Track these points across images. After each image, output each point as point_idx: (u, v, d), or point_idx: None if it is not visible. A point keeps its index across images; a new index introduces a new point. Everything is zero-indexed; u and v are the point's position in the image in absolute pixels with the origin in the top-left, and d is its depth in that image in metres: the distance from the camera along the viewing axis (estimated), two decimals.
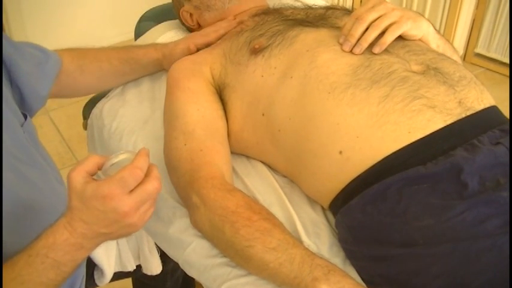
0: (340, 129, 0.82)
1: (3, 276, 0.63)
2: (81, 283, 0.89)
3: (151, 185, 0.64)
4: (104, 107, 1.19)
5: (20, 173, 0.77)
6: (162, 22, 1.38)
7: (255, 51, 0.97)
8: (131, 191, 0.63)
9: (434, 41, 0.98)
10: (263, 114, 0.93)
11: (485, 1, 2.50)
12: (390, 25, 0.90)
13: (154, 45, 1.17)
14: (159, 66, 1.17)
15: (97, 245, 0.67)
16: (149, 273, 1.07)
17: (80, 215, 0.63)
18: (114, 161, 0.66)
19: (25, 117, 0.85)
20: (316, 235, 0.86)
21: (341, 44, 0.91)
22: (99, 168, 0.66)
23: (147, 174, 0.64)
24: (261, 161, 1.00)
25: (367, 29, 0.90)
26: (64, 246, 0.64)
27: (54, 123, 2.38)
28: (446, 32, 2.53)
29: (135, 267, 1.07)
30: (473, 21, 2.58)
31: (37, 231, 0.66)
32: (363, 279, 0.80)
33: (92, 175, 0.65)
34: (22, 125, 0.82)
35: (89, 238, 0.65)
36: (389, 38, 0.89)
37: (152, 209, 0.67)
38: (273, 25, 1.02)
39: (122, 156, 0.66)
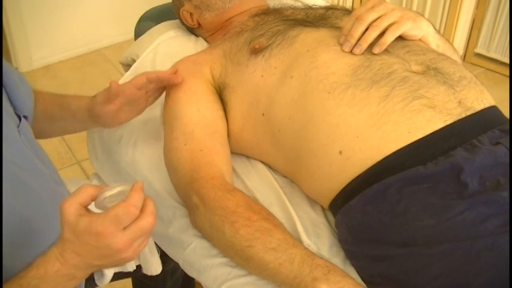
0: (340, 129, 0.82)
1: None
2: (81, 284, 0.89)
3: (146, 222, 0.63)
4: None
5: (18, 180, 0.76)
6: (162, 22, 1.38)
7: (255, 51, 0.97)
8: (125, 227, 0.62)
9: (434, 41, 0.98)
10: (263, 114, 0.93)
11: (485, 1, 2.50)
12: (390, 25, 0.90)
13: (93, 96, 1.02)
14: (91, 118, 0.99)
15: (89, 274, 0.66)
16: (149, 274, 1.07)
17: (73, 247, 0.62)
18: (108, 194, 0.65)
19: (19, 118, 0.84)
20: (316, 235, 0.86)
21: (341, 44, 0.91)
22: (93, 200, 0.64)
23: (142, 210, 0.63)
24: (261, 161, 1.00)
25: (367, 29, 0.90)
26: (55, 278, 0.63)
27: None
28: (446, 32, 2.53)
29: (135, 268, 1.07)
30: (473, 21, 2.58)
31: (36, 238, 0.65)
32: (363, 279, 0.80)
33: (86, 206, 0.63)
34: (18, 127, 0.81)
35: (81, 269, 0.64)
36: (389, 38, 0.89)
37: (146, 241, 0.66)
38: (273, 25, 1.02)
39: (116, 190, 0.65)
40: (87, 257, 0.63)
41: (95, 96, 0.97)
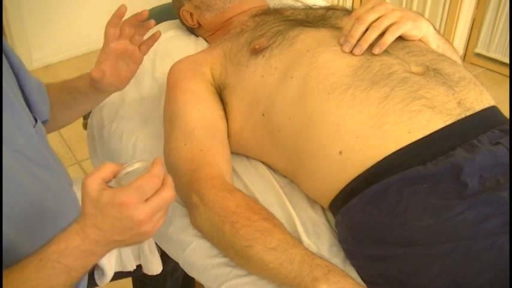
0: (340, 129, 0.82)
1: (13, 279, 0.63)
2: (82, 284, 0.89)
3: (167, 193, 0.64)
4: (104, 107, 1.19)
5: (33, 174, 0.77)
6: (162, 22, 1.38)
7: (255, 52, 0.97)
8: (147, 199, 0.63)
9: (434, 41, 0.98)
10: (263, 115, 0.93)
11: (485, 1, 2.50)
12: (390, 26, 0.90)
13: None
14: (98, 91, 0.97)
15: (107, 251, 0.67)
16: (149, 273, 1.07)
17: (94, 222, 0.63)
18: (129, 170, 0.66)
19: (35, 120, 0.85)
20: (316, 235, 0.86)
21: (341, 45, 0.91)
22: (114, 176, 0.66)
23: (162, 183, 0.64)
24: (261, 161, 1.00)
25: (367, 29, 0.90)
26: (75, 253, 0.63)
27: None
28: (446, 32, 2.53)
29: (135, 267, 1.07)
30: (473, 21, 2.58)
31: (48, 233, 0.66)
32: (362, 279, 0.80)
33: (107, 182, 0.65)
34: (34, 127, 0.82)
35: (101, 245, 0.64)
36: (389, 38, 0.89)
37: (164, 217, 0.67)
38: (273, 25, 1.02)
39: (136, 165, 0.67)
40: (108, 231, 0.63)
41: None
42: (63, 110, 1.00)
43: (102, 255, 0.67)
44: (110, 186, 0.64)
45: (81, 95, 0.98)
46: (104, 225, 0.63)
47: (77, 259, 0.64)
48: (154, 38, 0.95)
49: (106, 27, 0.90)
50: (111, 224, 0.63)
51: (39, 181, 0.78)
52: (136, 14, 0.90)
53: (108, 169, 0.65)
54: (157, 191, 0.63)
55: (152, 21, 0.93)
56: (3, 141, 0.71)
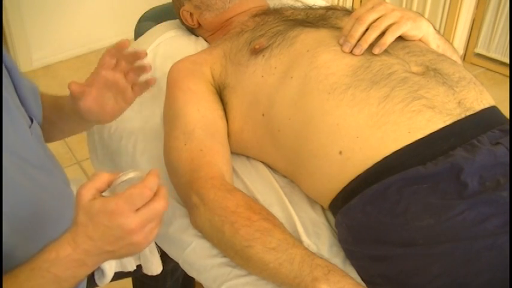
0: (340, 129, 0.82)
1: (7, 287, 0.63)
2: (82, 284, 0.89)
3: (159, 204, 0.64)
4: None
5: (29, 176, 0.77)
6: (162, 22, 1.38)
7: (255, 52, 0.97)
8: (138, 209, 0.63)
9: (435, 41, 0.98)
10: (263, 115, 0.93)
11: (485, 1, 2.50)
12: (390, 26, 0.90)
13: None
14: (80, 117, 0.92)
15: (99, 263, 0.67)
16: (149, 274, 1.07)
17: (85, 231, 0.63)
18: (123, 179, 0.66)
19: (31, 120, 0.85)
20: (316, 235, 0.86)
21: (341, 45, 0.91)
22: (109, 186, 0.66)
23: (155, 194, 0.64)
24: (261, 161, 1.00)
25: (367, 29, 0.90)
26: (66, 262, 0.63)
27: None
28: (446, 32, 2.53)
29: (135, 267, 1.07)
30: (473, 21, 2.58)
31: (46, 234, 0.66)
32: (362, 279, 0.80)
33: (101, 192, 0.65)
34: (30, 127, 0.82)
35: (92, 255, 0.64)
36: (389, 38, 0.89)
37: (158, 228, 0.67)
38: (273, 25, 1.02)
39: (131, 175, 0.66)
40: (99, 240, 0.63)
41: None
42: (48, 126, 0.96)
43: (94, 266, 0.66)
44: (103, 196, 0.64)
45: (65, 115, 0.96)
46: (95, 234, 0.63)
47: (68, 269, 0.64)
48: (149, 83, 0.90)
49: (103, 54, 0.87)
50: (102, 232, 0.63)
51: (35, 182, 0.77)
52: (119, 42, 0.85)
53: (102, 179, 0.65)
54: (148, 202, 0.63)
55: (150, 66, 0.89)
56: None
